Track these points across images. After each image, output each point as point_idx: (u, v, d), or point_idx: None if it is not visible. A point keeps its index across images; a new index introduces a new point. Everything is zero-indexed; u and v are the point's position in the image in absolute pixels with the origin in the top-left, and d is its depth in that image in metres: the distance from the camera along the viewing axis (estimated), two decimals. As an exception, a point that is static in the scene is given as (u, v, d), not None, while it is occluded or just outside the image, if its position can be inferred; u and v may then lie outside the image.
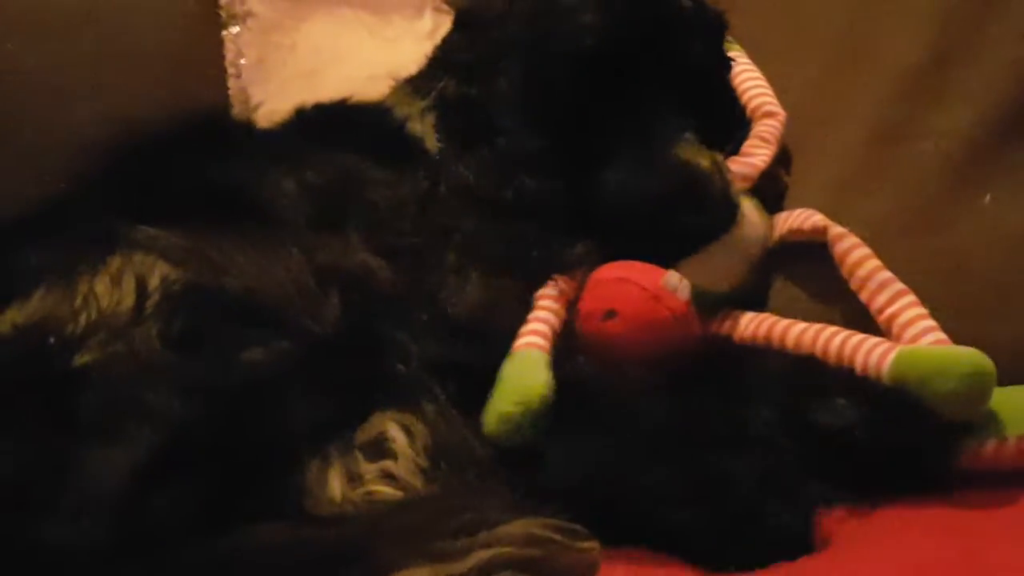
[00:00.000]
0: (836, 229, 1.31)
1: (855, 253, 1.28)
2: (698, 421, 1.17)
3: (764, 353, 1.29)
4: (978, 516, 1.07)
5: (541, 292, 1.34)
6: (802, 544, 1.06)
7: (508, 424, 1.17)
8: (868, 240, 1.31)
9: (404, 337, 1.22)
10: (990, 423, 1.10)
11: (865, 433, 1.13)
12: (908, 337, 1.20)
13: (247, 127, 1.66)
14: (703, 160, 1.36)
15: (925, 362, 1.11)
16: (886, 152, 1.43)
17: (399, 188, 1.42)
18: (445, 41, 1.63)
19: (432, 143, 1.50)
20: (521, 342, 1.27)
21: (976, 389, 1.09)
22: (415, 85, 1.61)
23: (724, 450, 1.13)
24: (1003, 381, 1.13)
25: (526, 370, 1.22)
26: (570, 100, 1.41)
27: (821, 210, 1.37)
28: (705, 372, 1.25)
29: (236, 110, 1.86)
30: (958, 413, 1.10)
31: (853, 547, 1.05)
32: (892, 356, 1.14)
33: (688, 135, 1.39)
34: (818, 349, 1.23)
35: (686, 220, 1.34)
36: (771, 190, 1.47)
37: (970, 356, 1.10)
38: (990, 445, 1.10)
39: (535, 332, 1.29)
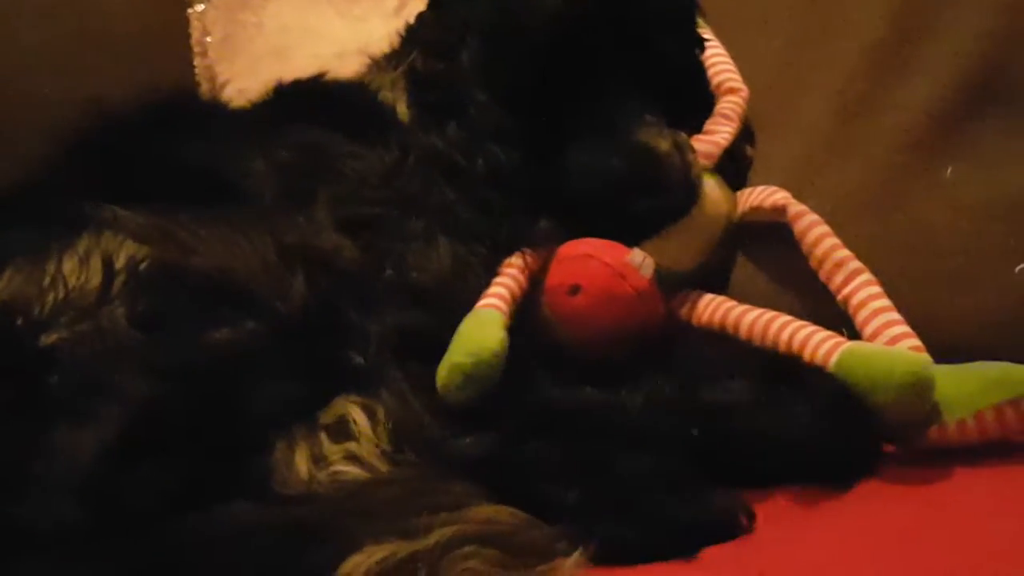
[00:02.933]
0: (796, 207, 1.32)
1: (814, 231, 1.29)
2: (608, 408, 1.20)
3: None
4: (920, 489, 1.08)
5: (507, 261, 1.35)
6: (692, 536, 1.06)
7: (458, 375, 1.17)
8: (831, 214, 1.31)
9: (365, 323, 1.22)
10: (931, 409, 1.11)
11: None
12: (860, 319, 1.21)
13: (220, 106, 1.66)
14: (662, 143, 1.35)
15: (864, 369, 1.11)
16: (849, 127, 1.43)
17: (368, 159, 1.43)
18: (418, 18, 1.64)
19: (403, 112, 1.51)
20: (481, 303, 1.28)
21: (914, 397, 1.09)
22: (388, 59, 1.62)
23: (623, 438, 1.15)
24: (966, 353, 1.14)
25: (482, 326, 1.23)
26: (530, 80, 1.41)
27: (785, 185, 1.38)
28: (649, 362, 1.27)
29: (203, 88, 1.86)
30: (899, 417, 1.11)
31: (800, 520, 1.08)
32: (835, 357, 1.15)
33: (650, 117, 1.39)
34: (768, 338, 1.24)
35: (644, 202, 1.35)
36: (735, 167, 1.48)
37: (907, 365, 1.10)
38: (932, 431, 1.10)
39: (495, 295, 1.30)
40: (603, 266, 1.31)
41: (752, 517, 1.08)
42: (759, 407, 1.16)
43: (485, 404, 1.18)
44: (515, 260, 1.35)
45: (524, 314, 1.32)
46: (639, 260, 1.32)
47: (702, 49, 1.57)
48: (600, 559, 1.03)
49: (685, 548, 1.04)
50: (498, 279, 1.33)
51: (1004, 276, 1.26)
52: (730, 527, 1.07)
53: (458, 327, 1.22)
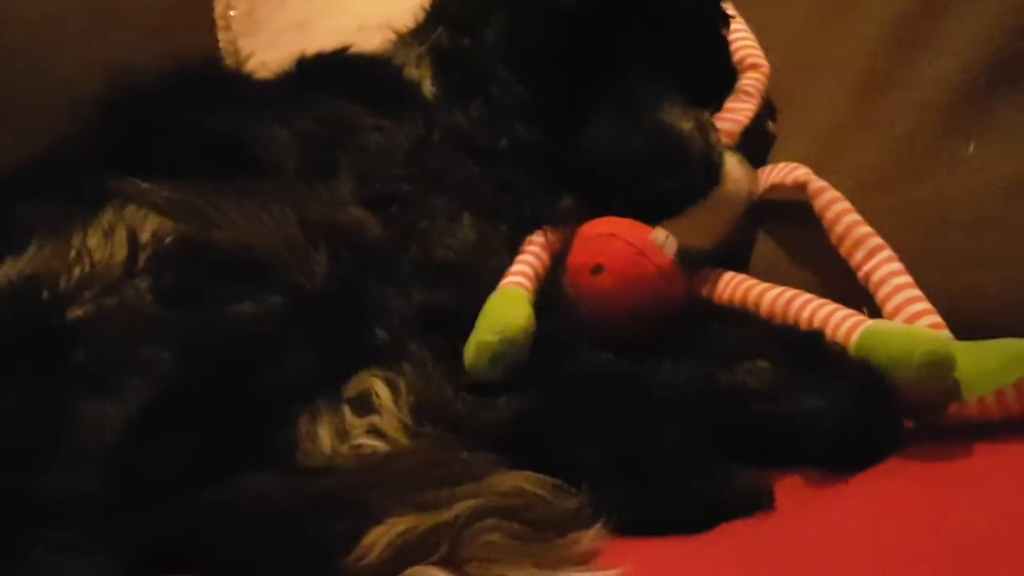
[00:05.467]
0: (817, 183, 1.31)
1: (835, 207, 1.28)
2: (641, 378, 1.20)
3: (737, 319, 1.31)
4: (940, 466, 1.08)
5: (529, 239, 1.36)
6: (710, 511, 1.07)
7: (486, 354, 1.18)
8: (852, 190, 1.31)
9: (389, 298, 1.23)
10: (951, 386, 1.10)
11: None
12: (881, 296, 1.21)
13: (243, 77, 1.66)
14: (684, 122, 1.36)
15: (884, 348, 1.11)
16: (871, 102, 1.42)
17: (393, 134, 1.43)
18: (443, -6, 1.64)
19: (428, 89, 1.51)
20: (506, 280, 1.29)
21: (934, 375, 1.08)
22: (413, 35, 1.62)
23: (652, 408, 1.15)
24: (987, 330, 1.14)
25: (508, 304, 1.24)
26: (553, 57, 1.41)
27: (807, 161, 1.37)
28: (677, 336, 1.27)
29: (226, 61, 1.86)
30: (919, 394, 1.11)
31: (819, 496, 1.08)
32: (856, 336, 1.15)
33: (672, 95, 1.39)
34: (789, 317, 1.25)
35: (666, 182, 1.34)
36: (756, 143, 1.47)
37: (927, 343, 1.09)
38: (952, 408, 1.11)
39: (520, 273, 1.30)
40: (625, 245, 1.31)
41: (772, 496, 1.08)
42: (781, 387, 1.16)
43: (512, 377, 1.19)
44: (537, 237, 1.36)
45: (546, 292, 1.32)
46: (661, 239, 1.32)
47: (726, 26, 1.56)
48: (616, 531, 1.03)
49: (703, 523, 1.06)
50: (521, 256, 1.33)
51: (1026, 252, 1.25)
52: (749, 505, 1.07)
53: (483, 305, 1.23)
